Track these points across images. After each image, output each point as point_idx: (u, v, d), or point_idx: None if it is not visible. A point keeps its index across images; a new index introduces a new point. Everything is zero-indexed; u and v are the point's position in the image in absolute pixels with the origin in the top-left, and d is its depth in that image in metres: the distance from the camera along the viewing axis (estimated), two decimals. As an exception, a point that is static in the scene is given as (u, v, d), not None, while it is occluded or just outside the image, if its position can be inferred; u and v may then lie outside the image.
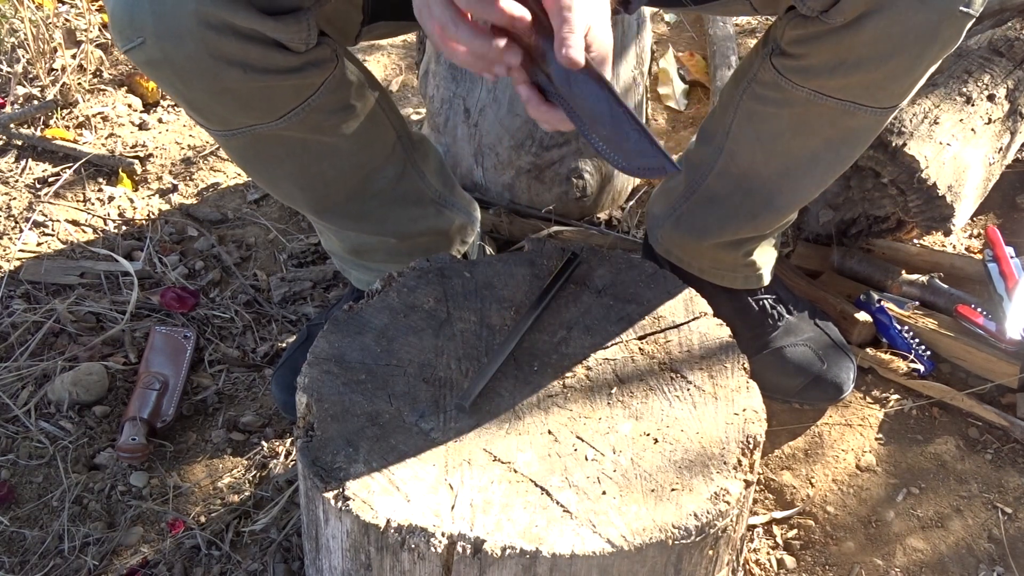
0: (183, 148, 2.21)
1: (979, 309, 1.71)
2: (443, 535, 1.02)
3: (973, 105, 1.81)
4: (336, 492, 1.06)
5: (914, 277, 1.82)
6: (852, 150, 1.41)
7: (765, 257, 1.61)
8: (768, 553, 1.49)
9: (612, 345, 1.25)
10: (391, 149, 1.46)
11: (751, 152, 1.43)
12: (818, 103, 1.30)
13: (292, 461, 1.57)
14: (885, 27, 1.19)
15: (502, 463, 1.10)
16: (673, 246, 1.60)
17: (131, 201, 2.05)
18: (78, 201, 2.04)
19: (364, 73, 1.39)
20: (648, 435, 1.14)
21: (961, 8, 1.19)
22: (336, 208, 1.46)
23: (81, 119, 2.25)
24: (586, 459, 1.11)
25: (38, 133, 2.19)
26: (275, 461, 1.58)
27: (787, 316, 1.66)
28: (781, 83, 1.31)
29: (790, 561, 1.48)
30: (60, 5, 2.52)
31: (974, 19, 1.21)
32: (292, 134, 1.31)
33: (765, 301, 1.64)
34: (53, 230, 1.97)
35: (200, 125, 1.31)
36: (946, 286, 1.79)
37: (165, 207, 2.06)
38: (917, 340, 1.72)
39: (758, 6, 1.37)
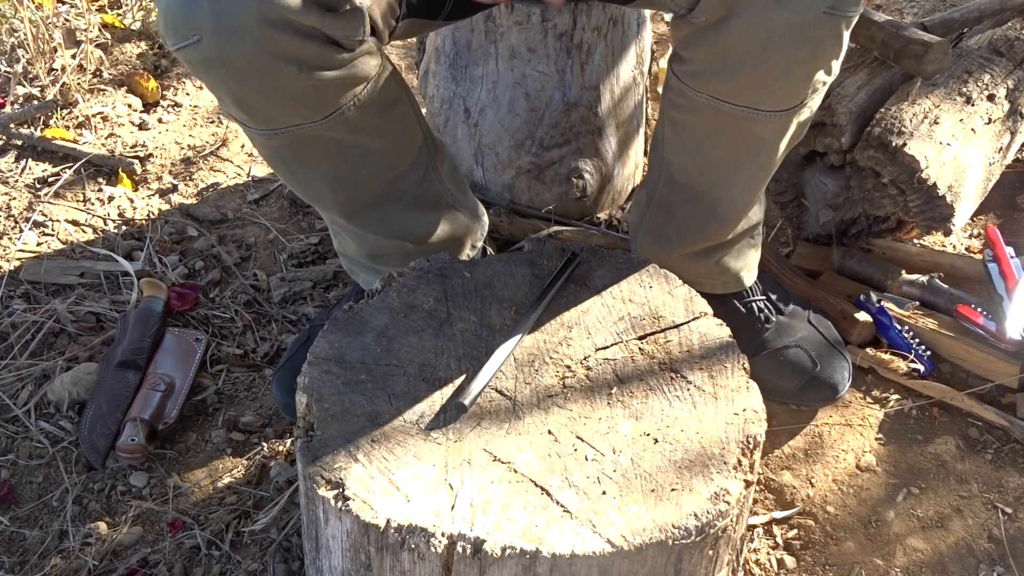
0: (183, 148, 2.21)
1: (979, 309, 1.71)
2: (443, 535, 1.02)
3: (973, 105, 1.81)
4: (336, 492, 1.06)
5: (914, 277, 1.82)
6: (770, 155, 1.41)
7: (740, 261, 1.60)
8: (768, 553, 1.49)
9: (612, 345, 1.25)
10: (418, 152, 1.47)
11: (682, 160, 1.46)
12: (719, 109, 1.31)
13: (292, 461, 1.57)
14: (748, 28, 1.20)
15: (502, 463, 1.10)
16: (649, 255, 1.60)
17: (131, 201, 2.05)
18: (78, 201, 2.04)
19: (400, 74, 1.40)
20: (648, 435, 1.14)
21: (824, 10, 1.18)
22: (364, 211, 1.46)
23: (81, 119, 2.25)
24: (586, 459, 1.11)
25: (38, 133, 2.19)
26: (275, 461, 1.58)
27: (777, 316, 1.65)
28: (684, 89, 1.33)
29: (790, 561, 1.48)
30: (60, 5, 2.52)
31: (850, 20, 1.21)
32: (332, 135, 1.32)
33: (753, 303, 1.64)
34: (53, 230, 1.97)
35: (241, 124, 1.31)
36: (946, 286, 1.79)
37: (165, 207, 2.06)
38: (917, 340, 1.72)
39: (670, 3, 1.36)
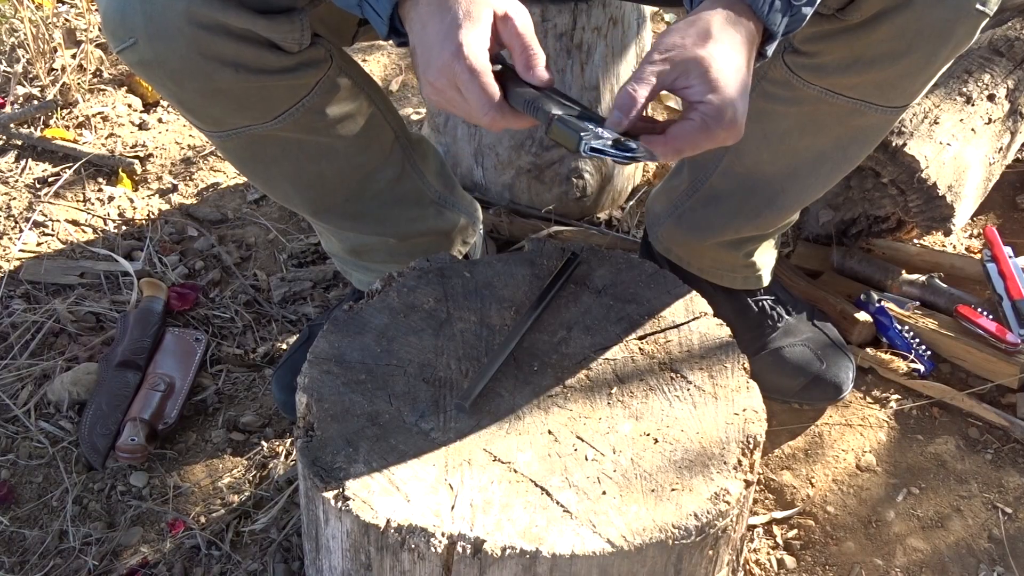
0: (183, 148, 2.20)
1: (979, 309, 1.71)
2: (443, 535, 1.02)
3: (973, 105, 1.81)
4: (336, 492, 1.06)
5: (914, 277, 1.82)
6: (860, 149, 1.41)
7: (765, 258, 1.61)
8: (768, 553, 1.49)
9: (612, 345, 1.25)
10: (389, 149, 1.46)
11: (757, 151, 1.43)
12: (829, 101, 1.30)
13: (292, 461, 1.57)
14: (902, 25, 1.19)
15: (502, 463, 1.10)
16: (673, 244, 1.60)
17: (131, 201, 2.05)
18: (78, 201, 2.04)
19: (361, 73, 1.39)
20: (648, 435, 1.14)
21: (977, 7, 1.19)
22: (334, 209, 1.46)
23: (81, 119, 2.25)
24: (586, 459, 1.11)
25: (38, 133, 2.19)
26: (275, 461, 1.58)
27: (786, 317, 1.66)
28: (793, 81, 1.31)
29: (790, 561, 1.48)
30: (60, 5, 2.52)
31: (988, 18, 1.22)
32: (287, 135, 1.31)
33: (764, 302, 1.64)
34: (53, 230, 1.97)
35: (195, 126, 1.32)
36: (946, 286, 1.79)
37: (165, 207, 2.06)
38: (917, 340, 1.72)
39: None
